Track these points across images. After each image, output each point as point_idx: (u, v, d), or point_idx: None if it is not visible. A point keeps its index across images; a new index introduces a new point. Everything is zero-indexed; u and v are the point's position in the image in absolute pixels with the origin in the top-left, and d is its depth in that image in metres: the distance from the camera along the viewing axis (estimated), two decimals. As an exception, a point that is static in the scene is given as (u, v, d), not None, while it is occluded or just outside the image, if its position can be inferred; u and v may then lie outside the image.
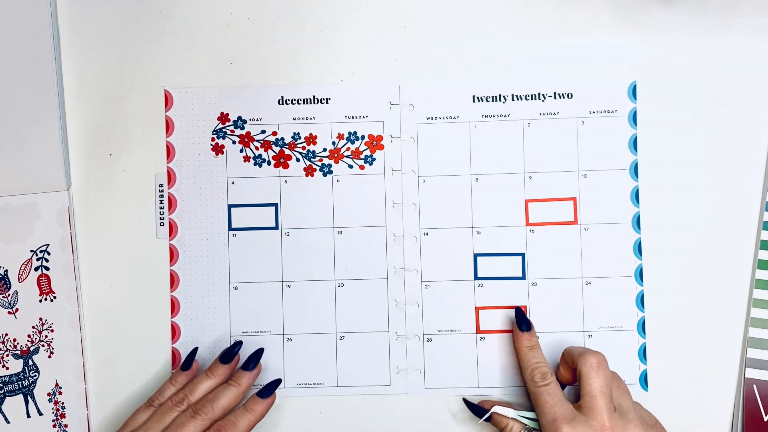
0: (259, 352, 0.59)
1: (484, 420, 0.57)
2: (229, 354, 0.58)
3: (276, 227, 0.61)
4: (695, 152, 0.61)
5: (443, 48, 0.61)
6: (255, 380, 0.58)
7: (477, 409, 0.58)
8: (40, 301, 0.60)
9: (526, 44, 0.61)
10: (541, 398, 0.54)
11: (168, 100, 0.61)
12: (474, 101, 0.61)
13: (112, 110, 0.61)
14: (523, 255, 0.61)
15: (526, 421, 0.56)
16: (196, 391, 0.56)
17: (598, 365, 0.54)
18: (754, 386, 0.59)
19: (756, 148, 0.61)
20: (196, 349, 0.60)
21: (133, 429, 0.55)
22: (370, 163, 0.61)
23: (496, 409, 0.56)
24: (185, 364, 0.58)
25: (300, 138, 0.61)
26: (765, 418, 0.59)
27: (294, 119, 0.61)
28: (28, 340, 0.59)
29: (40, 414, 0.60)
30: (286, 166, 0.61)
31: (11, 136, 0.59)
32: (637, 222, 0.61)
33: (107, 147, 0.61)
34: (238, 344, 0.59)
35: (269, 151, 0.61)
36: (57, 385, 0.60)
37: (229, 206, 0.61)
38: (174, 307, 0.61)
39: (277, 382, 0.57)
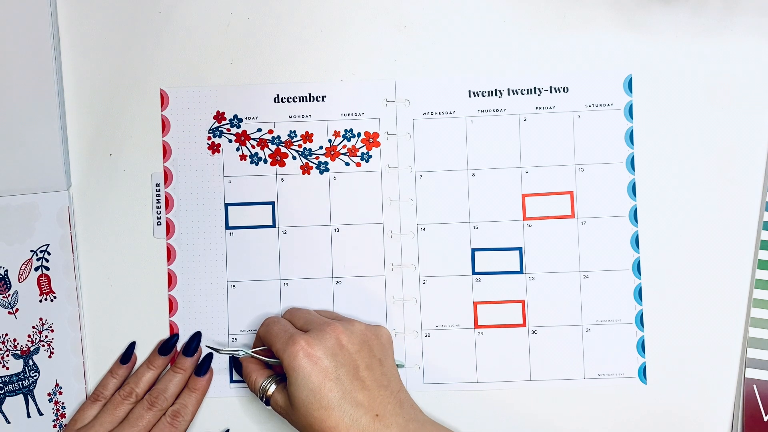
0: (197, 336, 0.61)
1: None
2: (167, 346, 0.60)
3: (273, 225, 0.61)
4: (692, 146, 0.61)
5: (444, 48, 0.62)
6: (196, 364, 0.60)
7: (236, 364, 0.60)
8: (40, 301, 0.60)
9: (525, 42, 0.61)
10: (273, 328, 0.56)
11: (164, 100, 0.62)
12: (470, 96, 0.61)
13: (112, 110, 0.62)
14: (520, 249, 0.61)
15: (267, 360, 0.57)
16: (141, 383, 0.59)
17: (271, 322, 0.57)
18: (754, 386, 0.59)
19: (756, 147, 0.60)
20: (134, 343, 0.61)
21: (83, 424, 0.58)
22: (367, 161, 0.61)
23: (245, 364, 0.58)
24: (125, 357, 0.60)
25: (296, 136, 0.62)
26: (765, 418, 0.59)
27: (290, 117, 0.62)
28: (28, 340, 0.60)
29: (41, 414, 0.60)
30: (282, 165, 0.61)
31: (11, 136, 0.60)
32: (634, 215, 0.60)
33: (107, 147, 0.62)
34: (175, 336, 0.61)
35: (265, 149, 0.62)
36: (57, 385, 0.60)
37: (226, 205, 0.61)
38: (172, 306, 0.61)
39: (209, 357, 0.60)
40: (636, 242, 0.60)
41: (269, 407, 0.56)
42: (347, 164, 0.61)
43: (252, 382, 0.57)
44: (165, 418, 0.58)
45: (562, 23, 0.61)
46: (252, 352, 0.57)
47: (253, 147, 0.61)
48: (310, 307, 0.61)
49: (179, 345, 0.61)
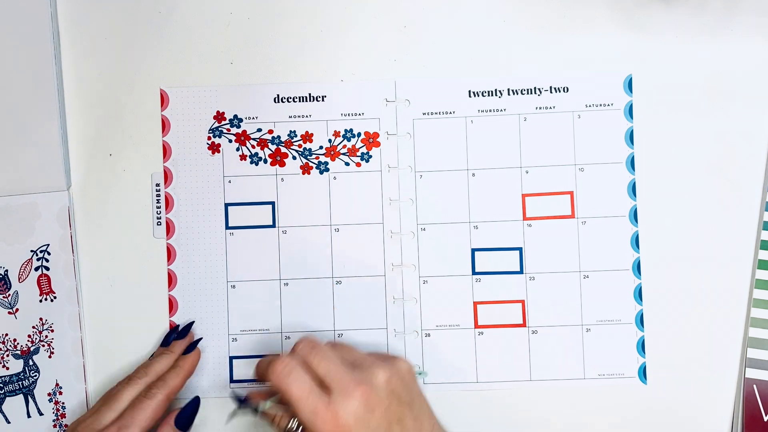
0: (190, 325, 0.61)
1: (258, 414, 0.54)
2: (168, 340, 0.60)
3: (273, 225, 0.61)
4: (692, 146, 0.61)
5: (444, 48, 0.62)
6: (186, 346, 0.60)
7: (248, 404, 0.55)
8: (40, 301, 0.60)
9: (526, 42, 0.61)
10: (293, 390, 0.51)
11: (164, 100, 0.62)
12: (470, 96, 0.61)
13: (112, 110, 0.62)
14: (520, 249, 0.61)
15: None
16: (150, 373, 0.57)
17: (286, 374, 0.51)
18: (754, 386, 0.59)
19: (756, 147, 0.60)
20: None
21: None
22: (367, 161, 0.61)
23: (264, 406, 0.53)
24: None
25: (296, 136, 0.62)
26: (765, 418, 0.59)
27: (290, 117, 0.62)
28: (28, 340, 0.60)
29: (41, 414, 0.60)
30: (282, 165, 0.61)
31: (11, 136, 0.60)
32: (634, 215, 0.60)
33: (107, 147, 0.62)
34: (175, 330, 0.61)
35: (265, 149, 0.62)
36: (57, 385, 0.60)
37: (226, 205, 0.61)
38: (172, 306, 0.61)
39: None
40: (636, 242, 0.60)
41: None
42: (347, 164, 0.61)
43: (277, 422, 0.53)
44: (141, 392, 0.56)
45: (562, 23, 0.61)
46: (270, 402, 0.53)
47: (253, 147, 0.61)
48: (309, 309, 0.61)
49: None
